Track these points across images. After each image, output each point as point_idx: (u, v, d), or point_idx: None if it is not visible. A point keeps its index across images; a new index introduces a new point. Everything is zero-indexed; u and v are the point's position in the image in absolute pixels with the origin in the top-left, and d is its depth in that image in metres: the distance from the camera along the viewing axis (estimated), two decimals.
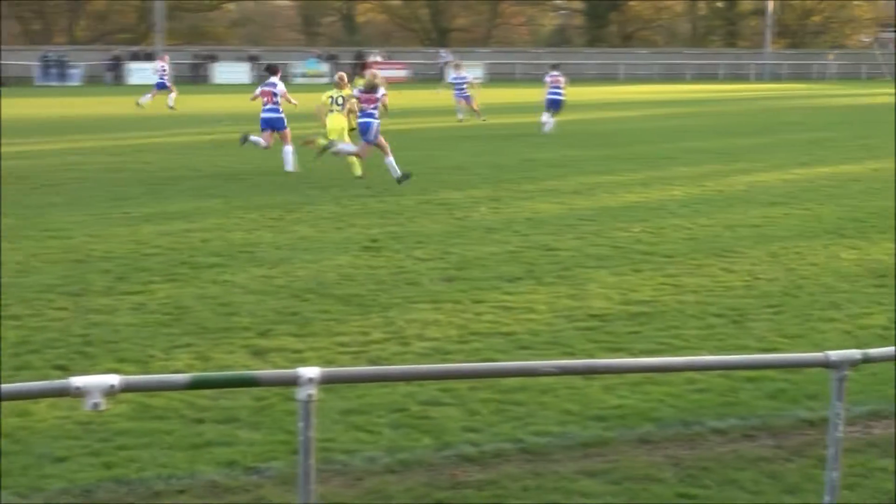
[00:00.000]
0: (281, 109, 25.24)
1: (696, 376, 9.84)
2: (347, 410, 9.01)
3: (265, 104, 25.29)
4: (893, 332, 11.64)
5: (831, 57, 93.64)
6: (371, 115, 22.81)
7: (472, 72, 48.39)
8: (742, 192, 22.31)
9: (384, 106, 23.53)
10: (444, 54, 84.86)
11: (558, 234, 17.33)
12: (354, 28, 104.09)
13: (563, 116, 37.02)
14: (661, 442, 8.51)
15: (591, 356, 10.63)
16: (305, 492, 5.27)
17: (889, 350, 6.89)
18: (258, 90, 25.82)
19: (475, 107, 40.59)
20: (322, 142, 24.28)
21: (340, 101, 24.40)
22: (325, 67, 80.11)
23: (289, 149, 25.10)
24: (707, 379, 9.84)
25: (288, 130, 25.31)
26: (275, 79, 25.62)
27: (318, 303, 12.75)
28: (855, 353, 6.08)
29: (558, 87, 36.20)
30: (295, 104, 25.96)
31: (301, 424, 5.17)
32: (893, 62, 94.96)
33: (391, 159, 22.94)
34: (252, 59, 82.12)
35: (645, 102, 53.46)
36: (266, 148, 25.39)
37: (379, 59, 76.98)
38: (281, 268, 14.66)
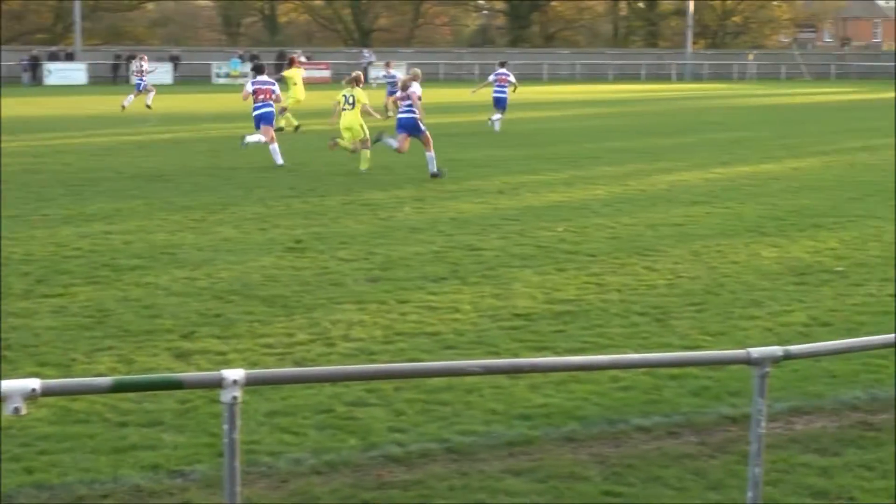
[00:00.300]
0: (273, 105, 27.20)
1: (621, 374, 9.90)
2: (272, 412, 8.96)
3: (262, 101, 26.56)
4: (814, 329, 11.79)
5: (751, 57, 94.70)
6: (411, 111, 24.62)
7: (398, 71, 48.25)
8: (664, 192, 22.50)
9: (417, 105, 24.75)
10: (367, 54, 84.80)
11: (482, 233, 17.37)
12: (276, 28, 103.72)
13: (486, 116, 37.11)
14: (587, 440, 8.54)
15: (516, 355, 10.66)
16: (231, 494, 5.23)
17: (810, 346, 6.97)
18: (250, 88, 26.78)
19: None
20: (343, 143, 25.70)
21: (352, 99, 25.12)
22: (247, 68, 79.72)
23: (258, 137, 26.73)
24: (631, 377, 9.90)
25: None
26: (265, 77, 27.20)
27: (242, 304, 12.68)
28: (776, 350, 6.14)
29: (503, 86, 36.94)
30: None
31: (226, 427, 5.13)
32: (812, 62, 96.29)
33: (432, 154, 24.46)
34: (173, 59, 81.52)
35: (568, 102, 53.77)
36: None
37: (303, 59, 76.67)
38: (204, 269, 14.56)
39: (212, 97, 50.72)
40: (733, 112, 48.41)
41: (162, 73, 78.20)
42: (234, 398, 5.08)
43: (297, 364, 10.39)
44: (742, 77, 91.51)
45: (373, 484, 7.64)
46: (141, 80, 45.01)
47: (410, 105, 24.66)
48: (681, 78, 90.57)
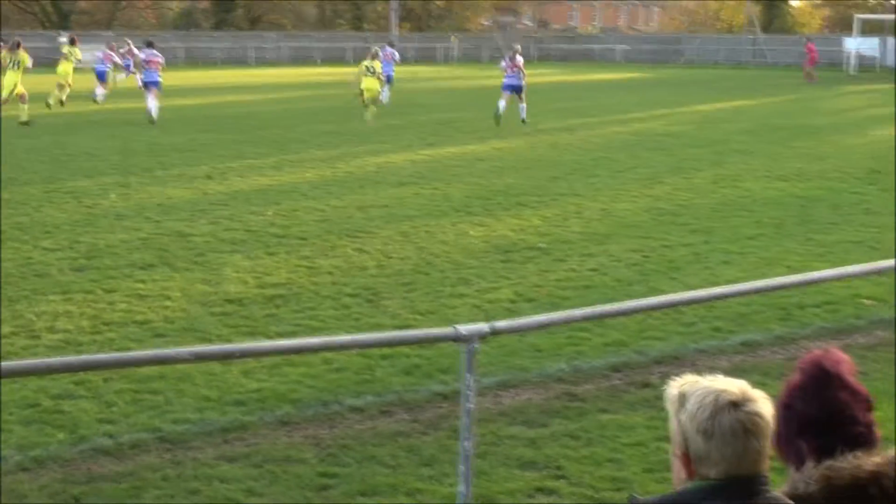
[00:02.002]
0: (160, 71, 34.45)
1: (333, 356, 9.97)
2: None
3: (153, 69, 34.17)
4: (519, 305, 12.13)
5: (454, 40, 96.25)
6: (517, 76, 33.89)
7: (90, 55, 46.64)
8: (372, 174, 22.69)
9: (523, 70, 34.22)
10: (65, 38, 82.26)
11: (191, 219, 17.16)
12: None
13: (191, 101, 36.65)
14: (301, 423, 8.58)
15: (228, 341, 10.60)
16: None
17: (515, 322, 7.18)
18: (144, 56, 35.01)
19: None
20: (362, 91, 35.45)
21: (373, 69, 35.64)
22: None
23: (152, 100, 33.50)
24: (344, 358, 9.98)
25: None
26: (154, 50, 35.07)
27: None
28: (483, 326, 6.31)
29: (389, 63, 43.35)
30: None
31: None
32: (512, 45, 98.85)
33: (524, 105, 33.59)
34: None
35: (275, 86, 53.36)
36: None
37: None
38: None
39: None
40: (439, 94, 49.13)
41: None
42: None
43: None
44: (447, 60, 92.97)
45: (83, 478, 7.48)
46: (128, 61, 46.02)
47: (517, 71, 33.83)
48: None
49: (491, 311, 11.73)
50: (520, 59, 34.60)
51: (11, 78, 31.87)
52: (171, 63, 70.03)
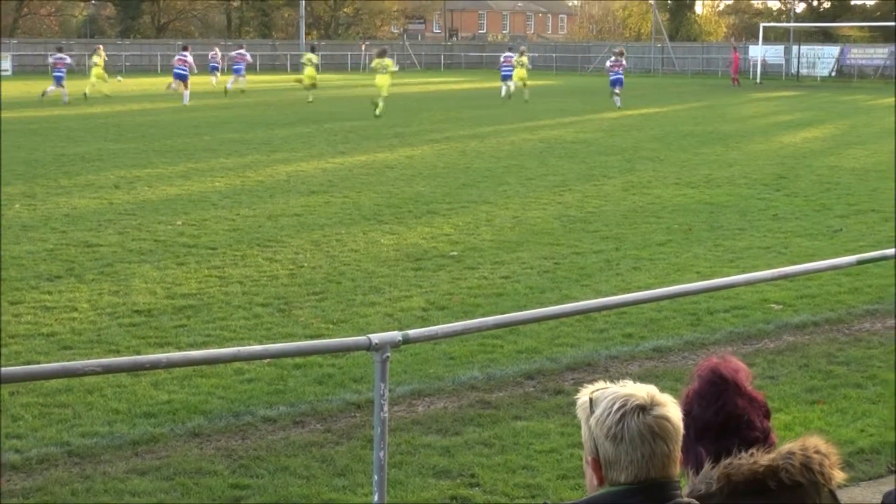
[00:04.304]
0: (187, 68, 46.95)
1: (245, 366, 9.90)
2: None
3: (180, 65, 47.21)
4: (432, 313, 12.12)
5: (364, 48, 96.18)
6: (620, 73, 44.87)
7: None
8: (283, 182, 22.58)
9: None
10: None
11: (98, 229, 16.94)
12: None
13: (97, 109, 36.16)
14: (213, 434, 8.50)
15: (137, 352, 10.48)
16: None
17: (427, 330, 7.16)
18: (177, 58, 48.04)
19: None
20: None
21: (521, 62, 50.65)
22: None
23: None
24: (255, 368, 9.91)
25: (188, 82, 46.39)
26: (186, 52, 47.99)
27: None
28: (396, 334, 6.28)
29: (509, 65, 50.79)
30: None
31: None
32: (422, 52, 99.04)
33: (619, 98, 44.16)
34: None
35: (181, 94, 52.94)
36: None
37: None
38: None
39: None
40: (345, 102, 49.05)
41: None
42: None
43: None
44: (356, 68, 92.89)
45: None
46: (216, 65, 62.86)
47: (620, 69, 44.67)
48: (295, 69, 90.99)
49: (403, 320, 11.71)
50: (624, 61, 46.18)
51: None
52: (77, 70, 69.36)
